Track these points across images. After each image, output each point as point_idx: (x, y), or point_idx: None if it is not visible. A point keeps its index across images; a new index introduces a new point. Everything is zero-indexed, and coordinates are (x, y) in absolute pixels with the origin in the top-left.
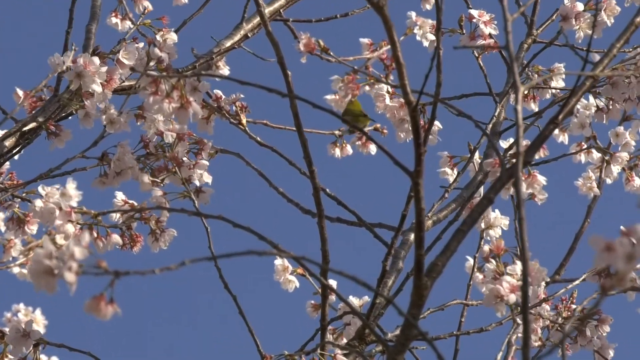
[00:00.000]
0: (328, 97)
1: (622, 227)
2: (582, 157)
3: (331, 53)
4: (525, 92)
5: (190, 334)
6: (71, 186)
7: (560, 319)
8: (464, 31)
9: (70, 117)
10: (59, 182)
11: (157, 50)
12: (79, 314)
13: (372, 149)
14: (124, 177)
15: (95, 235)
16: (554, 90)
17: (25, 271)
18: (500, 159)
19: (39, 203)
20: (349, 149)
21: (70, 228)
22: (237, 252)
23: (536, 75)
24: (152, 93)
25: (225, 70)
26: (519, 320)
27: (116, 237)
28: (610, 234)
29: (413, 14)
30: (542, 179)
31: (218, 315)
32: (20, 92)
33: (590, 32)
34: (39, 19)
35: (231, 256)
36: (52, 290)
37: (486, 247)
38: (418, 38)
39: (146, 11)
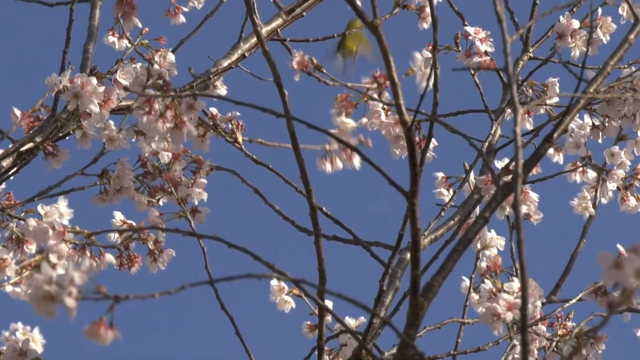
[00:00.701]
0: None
1: (619, 246)
2: (577, 177)
3: (324, 70)
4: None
5: (187, 353)
6: (63, 204)
7: (556, 336)
8: (460, 48)
9: (67, 137)
10: (58, 200)
11: (156, 67)
12: (77, 333)
13: (357, 163)
14: (124, 194)
15: (88, 255)
16: (548, 107)
17: (18, 290)
18: (494, 178)
19: (32, 222)
20: (339, 164)
21: (63, 248)
22: (236, 276)
23: (531, 91)
24: (146, 113)
25: (222, 90)
26: (515, 341)
27: (110, 257)
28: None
29: (419, 57)
30: (534, 196)
31: (215, 336)
32: (17, 112)
33: (585, 49)
34: (36, 39)
35: (230, 280)
36: (52, 316)
37: (483, 264)
38: (417, 82)
39: (143, 31)
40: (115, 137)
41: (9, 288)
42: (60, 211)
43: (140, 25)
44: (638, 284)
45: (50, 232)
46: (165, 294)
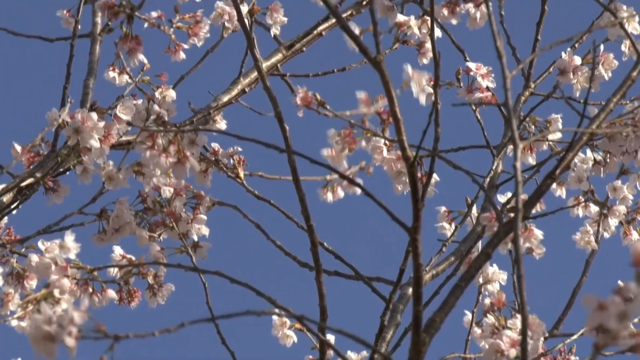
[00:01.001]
0: (324, 151)
1: (618, 283)
2: (580, 212)
3: (327, 107)
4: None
5: None
6: (69, 238)
7: None
8: (462, 84)
9: (68, 173)
10: (57, 238)
11: (156, 107)
12: None
13: (357, 189)
14: (123, 234)
15: (90, 290)
16: (551, 142)
17: (23, 324)
18: (497, 213)
19: (34, 258)
20: (341, 192)
21: (66, 283)
22: (235, 313)
23: (533, 127)
24: (149, 148)
25: (222, 125)
26: None
27: (112, 293)
28: (608, 289)
29: (409, 68)
30: (539, 233)
31: None
32: (18, 147)
33: (587, 85)
34: (37, 74)
35: (230, 317)
36: (52, 356)
37: (487, 301)
38: (414, 95)
39: (145, 68)
40: (114, 176)
41: (14, 322)
42: (67, 245)
43: (145, 61)
44: (621, 326)
45: (53, 267)
46: (165, 332)
